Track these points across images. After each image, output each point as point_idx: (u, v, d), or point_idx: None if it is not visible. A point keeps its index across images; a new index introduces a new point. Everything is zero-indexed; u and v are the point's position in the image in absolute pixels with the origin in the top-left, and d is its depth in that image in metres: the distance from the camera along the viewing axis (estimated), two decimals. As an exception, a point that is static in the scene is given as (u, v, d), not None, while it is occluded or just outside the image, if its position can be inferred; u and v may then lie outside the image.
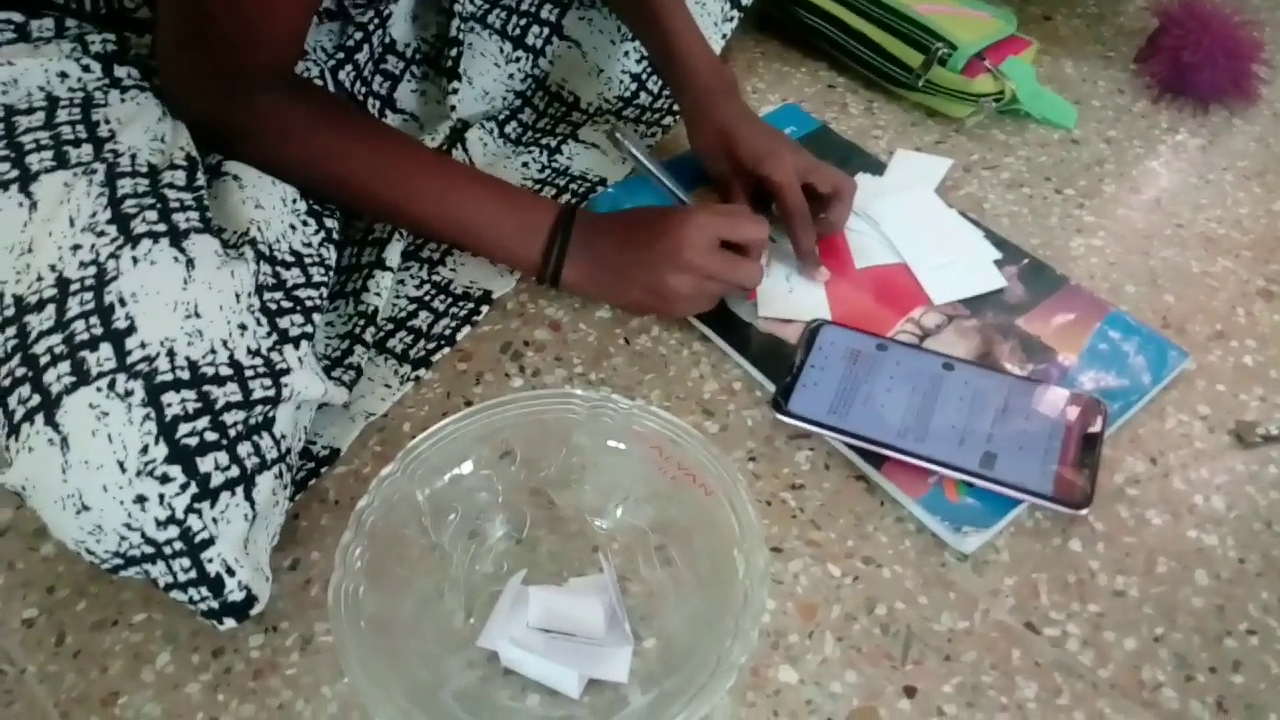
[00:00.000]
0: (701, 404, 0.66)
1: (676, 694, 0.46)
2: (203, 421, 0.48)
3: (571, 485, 0.57)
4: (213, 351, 0.50)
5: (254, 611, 0.51)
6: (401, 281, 0.73)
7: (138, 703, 0.52)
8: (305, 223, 0.62)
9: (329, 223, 0.64)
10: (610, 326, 0.70)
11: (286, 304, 0.57)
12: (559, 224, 0.66)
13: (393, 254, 0.69)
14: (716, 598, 0.50)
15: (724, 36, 0.87)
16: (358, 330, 0.66)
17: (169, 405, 0.47)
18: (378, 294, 0.67)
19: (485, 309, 0.71)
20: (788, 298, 0.71)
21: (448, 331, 0.69)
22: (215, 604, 0.50)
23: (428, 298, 0.72)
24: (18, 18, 0.62)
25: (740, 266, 0.66)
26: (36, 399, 0.47)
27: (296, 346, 0.55)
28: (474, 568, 0.55)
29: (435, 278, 0.73)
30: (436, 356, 0.68)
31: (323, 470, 0.61)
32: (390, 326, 0.70)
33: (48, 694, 0.53)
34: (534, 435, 0.56)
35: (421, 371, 0.67)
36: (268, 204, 0.60)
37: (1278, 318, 0.71)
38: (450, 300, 0.71)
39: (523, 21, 0.84)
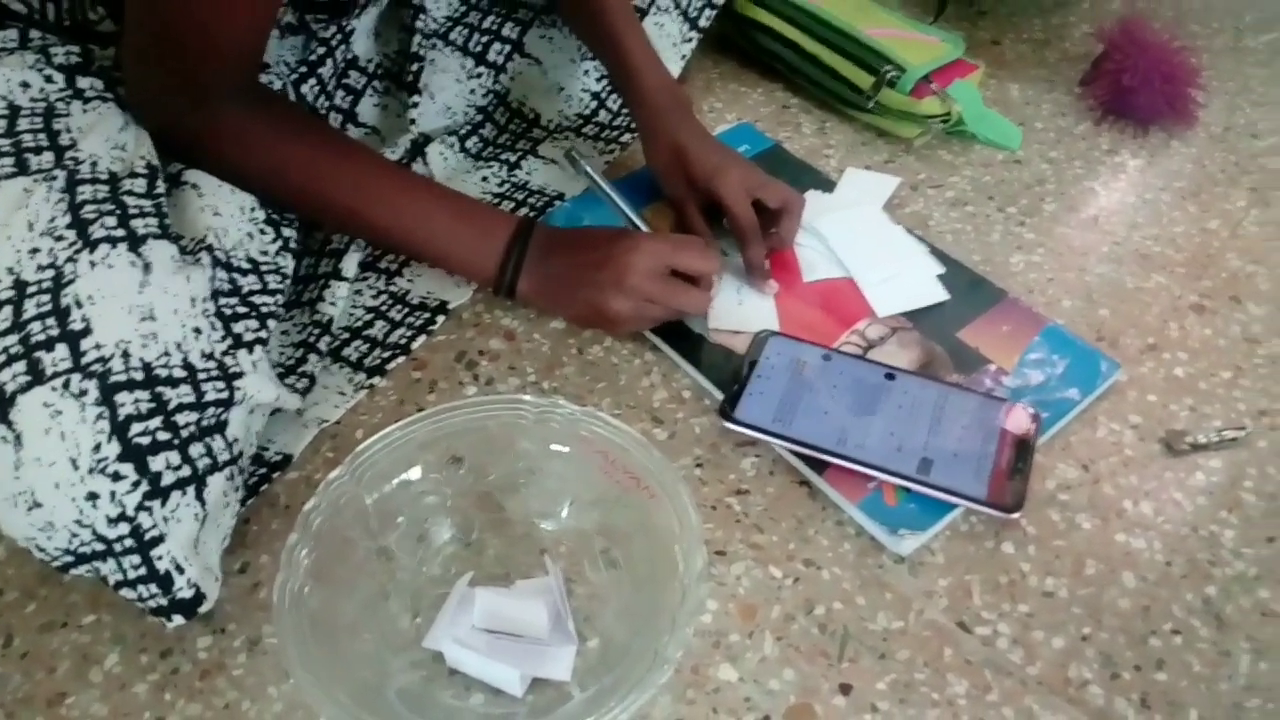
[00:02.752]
0: (651, 412, 0.67)
1: (614, 689, 0.47)
2: (155, 421, 0.49)
3: (519, 490, 0.58)
4: (167, 354, 0.51)
5: (202, 609, 0.52)
6: (359, 291, 0.74)
7: (84, 703, 0.53)
8: (263, 231, 0.63)
9: (286, 231, 0.65)
10: (563, 336, 0.72)
11: (242, 309, 0.58)
12: (516, 236, 0.68)
13: (349, 265, 0.70)
14: (656, 596, 0.51)
15: (683, 57, 0.89)
16: (312, 339, 0.67)
17: (122, 405, 0.48)
18: (333, 304, 0.68)
19: (441, 319, 0.72)
20: (738, 310, 0.73)
21: (403, 340, 0.70)
22: (164, 601, 0.51)
23: (384, 307, 0.73)
24: (-16, 32, 0.63)
25: (685, 295, 0.68)
26: None
27: (250, 351, 0.56)
28: (421, 570, 0.56)
29: (392, 288, 0.74)
30: (391, 365, 0.69)
31: (274, 476, 0.62)
32: (346, 335, 0.71)
33: (-6, 695, 0.53)
34: (481, 441, 0.57)
35: (376, 379, 0.68)
36: (226, 212, 0.62)
37: (1208, 332, 0.74)
38: (406, 310, 0.73)
39: (485, 39, 0.86)
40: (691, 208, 0.75)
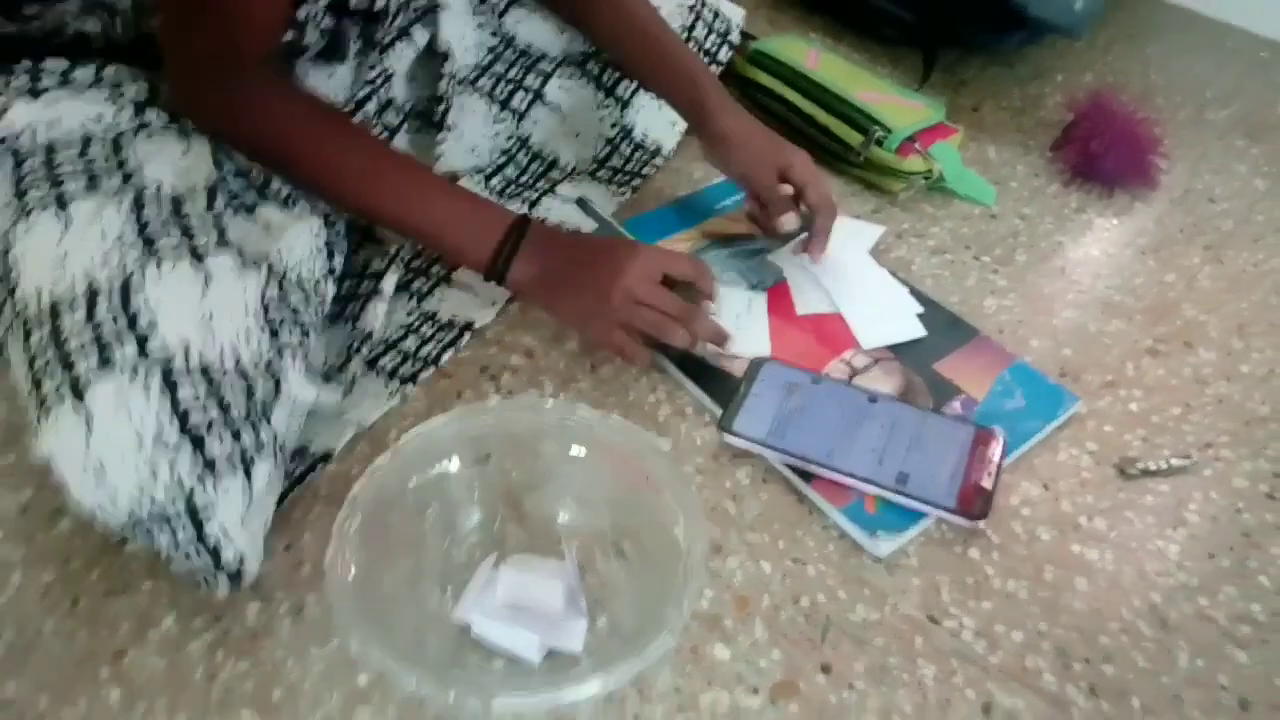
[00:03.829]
0: (657, 425, 0.74)
1: (621, 657, 0.54)
2: (211, 407, 0.56)
3: (539, 486, 0.65)
4: (222, 353, 0.58)
5: (245, 582, 0.58)
6: (393, 310, 0.81)
7: (143, 658, 0.59)
8: (320, 252, 0.71)
9: (336, 261, 0.73)
10: (579, 356, 0.79)
11: (286, 319, 0.65)
12: (515, 226, 0.72)
13: (388, 284, 0.77)
14: (661, 581, 0.58)
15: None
16: (354, 347, 0.74)
17: (182, 392, 0.55)
18: (374, 318, 0.75)
19: (467, 336, 0.79)
20: (735, 336, 0.80)
21: (433, 354, 0.78)
22: (212, 570, 0.56)
23: (416, 324, 0.80)
24: (63, 65, 0.70)
25: (676, 301, 0.71)
26: (67, 383, 0.54)
27: (294, 358, 0.63)
28: (449, 554, 0.63)
29: (424, 308, 0.82)
30: (422, 375, 0.76)
31: (318, 469, 0.69)
32: (382, 348, 0.78)
33: (63, 649, 0.59)
34: (508, 440, 0.64)
35: (409, 388, 0.75)
36: (294, 234, 0.69)
37: (1162, 372, 0.82)
38: (437, 327, 0.80)
39: (509, 87, 0.94)
40: (769, 179, 0.82)
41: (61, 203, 0.62)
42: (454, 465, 0.63)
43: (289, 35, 0.70)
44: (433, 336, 0.79)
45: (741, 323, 0.81)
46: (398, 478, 0.60)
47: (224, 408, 0.57)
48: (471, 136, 0.94)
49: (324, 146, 0.69)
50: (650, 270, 0.71)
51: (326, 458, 0.70)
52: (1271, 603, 0.66)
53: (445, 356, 0.78)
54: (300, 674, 0.58)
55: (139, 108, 0.69)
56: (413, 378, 0.76)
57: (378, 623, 0.54)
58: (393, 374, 0.76)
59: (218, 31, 0.64)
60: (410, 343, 0.79)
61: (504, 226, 0.71)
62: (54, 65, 0.70)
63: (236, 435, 0.57)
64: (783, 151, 0.82)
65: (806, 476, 0.69)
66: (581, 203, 0.87)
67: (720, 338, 0.76)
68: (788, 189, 0.82)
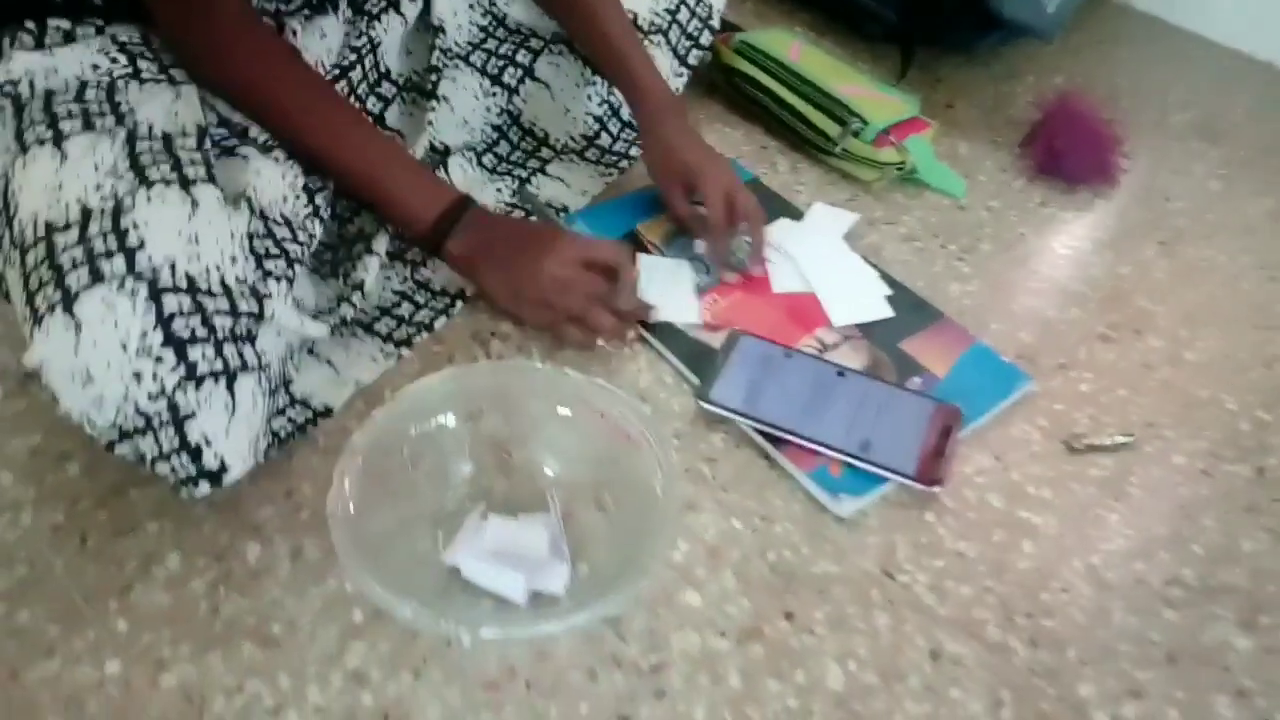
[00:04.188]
0: (639, 392, 0.79)
1: (599, 596, 0.58)
2: (194, 320, 0.58)
3: (526, 442, 0.69)
4: (207, 272, 0.60)
5: (227, 480, 0.60)
6: (388, 278, 0.85)
7: (149, 593, 0.62)
8: (298, 197, 0.73)
9: (319, 200, 0.75)
10: (564, 325, 0.83)
11: (274, 251, 0.67)
12: (461, 204, 0.77)
13: (380, 243, 0.80)
14: (639, 529, 0.62)
15: (676, 90, 1.02)
16: (346, 295, 0.77)
17: (167, 304, 0.58)
18: (365, 272, 0.78)
19: (459, 304, 0.83)
20: (662, 305, 0.84)
21: (426, 320, 0.82)
22: (194, 470, 0.59)
23: (410, 292, 0.84)
24: (66, 24, 0.73)
25: (595, 282, 0.77)
26: (58, 295, 0.57)
27: (278, 283, 0.66)
28: (441, 501, 0.67)
29: (417, 277, 0.86)
30: (416, 340, 0.80)
31: (319, 422, 0.73)
32: (378, 313, 0.82)
33: (73, 583, 0.63)
34: (499, 398, 0.68)
35: (403, 351, 0.79)
36: (267, 175, 0.71)
37: (1112, 357, 0.87)
38: (430, 295, 0.84)
39: (501, 63, 0.98)
40: (676, 194, 0.88)
41: (58, 140, 0.64)
42: (449, 420, 0.67)
43: None
44: (426, 304, 0.83)
45: (668, 291, 0.85)
46: (396, 427, 0.64)
47: (208, 323, 0.59)
48: (463, 110, 0.97)
49: (293, 97, 0.73)
50: (571, 255, 0.77)
51: (328, 412, 0.73)
52: (1201, 568, 0.71)
53: (438, 323, 0.82)
54: (298, 610, 0.62)
55: (133, 59, 0.72)
56: (407, 341, 0.80)
57: (373, 558, 0.58)
58: (387, 338, 0.80)
59: None
60: (404, 309, 0.82)
61: (447, 202, 0.77)
62: (56, 23, 0.72)
63: (219, 349, 0.59)
64: (691, 169, 0.86)
65: (777, 442, 0.74)
66: (525, 194, 0.90)
67: (642, 312, 0.82)
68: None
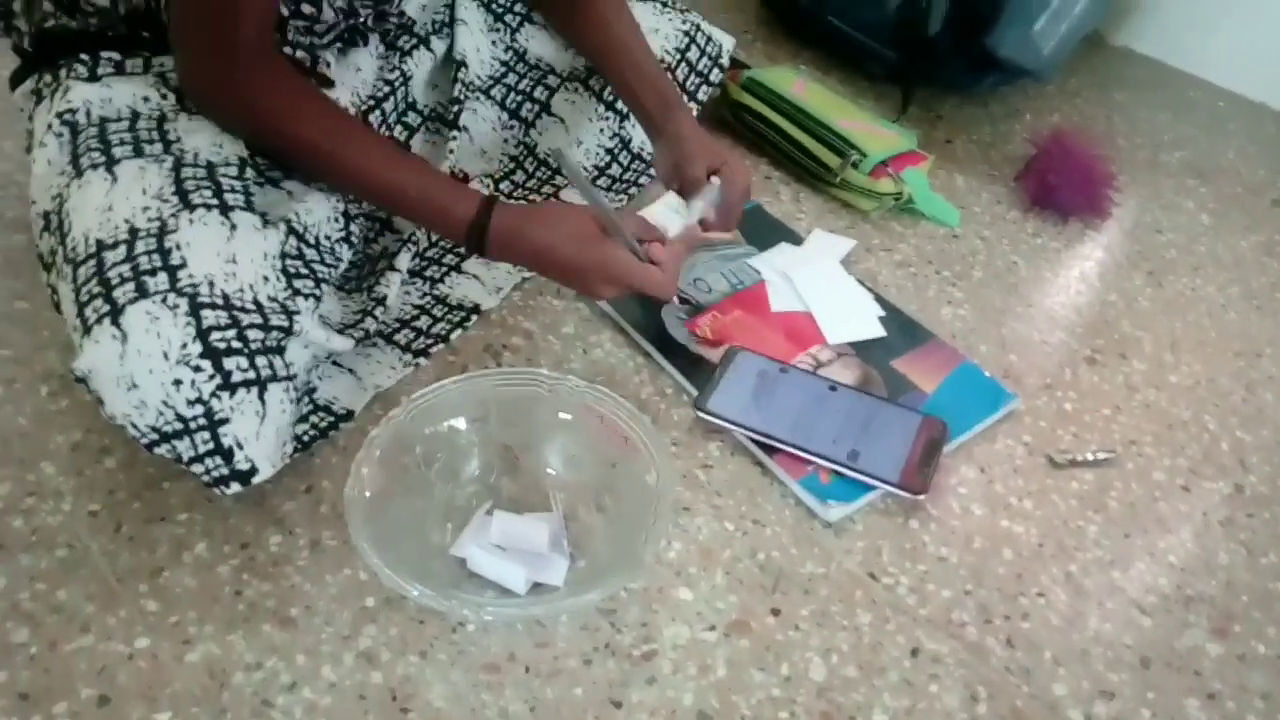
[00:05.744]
0: (639, 402, 0.83)
1: (595, 587, 0.62)
2: (230, 333, 0.63)
3: (532, 445, 0.74)
4: (241, 290, 0.66)
5: (255, 480, 0.64)
6: (408, 293, 0.90)
7: (178, 576, 0.67)
8: (336, 220, 0.79)
9: (353, 227, 0.81)
10: (571, 339, 0.88)
11: (303, 271, 0.72)
12: (493, 199, 0.76)
13: (402, 260, 0.86)
14: (635, 526, 0.66)
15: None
16: (369, 309, 0.82)
17: (205, 318, 0.63)
18: (387, 286, 0.83)
19: (474, 318, 0.88)
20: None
21: (443, 332, 0.87)
22: (225, 470, 0.64)
23: (428, 306, 0.89)
24: (116, 56, 0.80)
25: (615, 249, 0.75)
26: (106, 308, 0.62)
27: (306, 300, 0.71)
28: (451, 499, 0.71)
29: (435, 292, 0.91)
30: (433, 350, 0.85)
31: (340, 425, 0.78)
32: (397, 325, 0.87)
33: (108, 565, 0.67)
34: (507, 404, 0.73)
35: (420, 360, 0.84)
36: (312, 202, 0.77)
37: (1096, 379, 0.91)
38: (447, 309, 0.89)
39: (519, 99, 1.04)
40: (699, 165, 0.87)
41: (110, 165, 0.70)
42: (460, 422, 0.72)
43: (307, 9, 0.78)
44: (443, 317, 0.88)
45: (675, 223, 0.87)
46: (411, 427, 0.69)
47: (242, 336, 0.64)
48: (481, 141, 1.03)
49: (318, 122, 0.75)
50: (589, 230, 0.76)
51: (349, 416, 0.78)
52: (1177, 578, 0.74)
53: (454, 335, 0.87)
54: (315, 595, 0.67)
55: (179, 94, 0.78)
56: (424, 352, 0.85)
57: (386, 545, 0.62)
58: (406, 348, 0.85)
59: (218, 23, 0.70)
60: (423, 322, 0.88)
61: (482, 198, 0.76)
62: (108, 56, 0.79)
63: (252, 360, 0.64)
64: (721, 154, 0.89)
65: (769, 451, 0.78)
66: (557, 155, 0.81)
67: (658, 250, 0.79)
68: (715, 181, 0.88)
